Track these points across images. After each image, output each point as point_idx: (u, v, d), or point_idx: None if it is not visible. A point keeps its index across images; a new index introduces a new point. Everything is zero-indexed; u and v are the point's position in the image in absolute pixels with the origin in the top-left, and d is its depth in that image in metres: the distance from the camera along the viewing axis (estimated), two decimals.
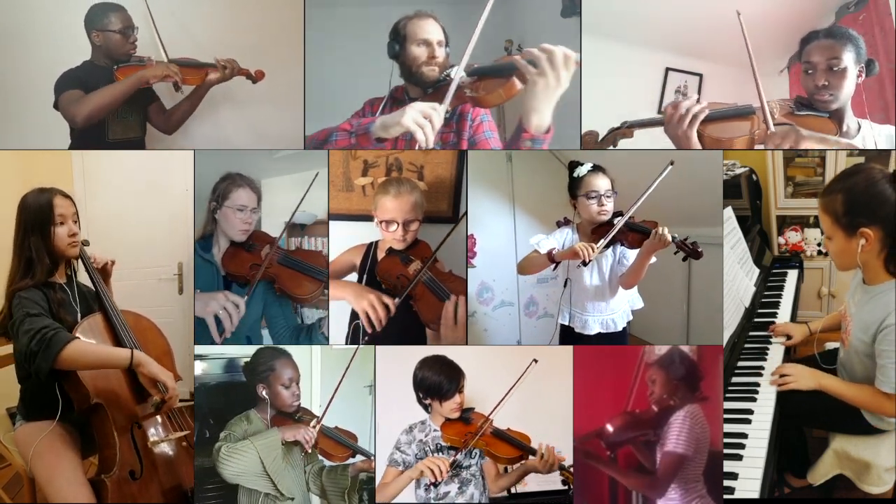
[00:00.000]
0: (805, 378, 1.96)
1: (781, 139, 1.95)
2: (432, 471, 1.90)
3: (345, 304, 2.18)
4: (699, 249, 1.93)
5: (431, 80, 2.07)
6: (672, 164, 1.95)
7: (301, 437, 1.95)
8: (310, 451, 1.97)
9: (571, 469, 2.00)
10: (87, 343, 1.84)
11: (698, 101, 1.95)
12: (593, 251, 1.96)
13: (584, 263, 1.99)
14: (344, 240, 2.24)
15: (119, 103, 2.26)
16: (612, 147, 2.11)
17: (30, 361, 1.73)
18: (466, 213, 2.21)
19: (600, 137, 2.11)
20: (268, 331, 2.18)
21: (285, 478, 1.94)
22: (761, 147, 2.01)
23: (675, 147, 1.97)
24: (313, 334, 2.14)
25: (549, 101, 1.88)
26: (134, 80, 2.26)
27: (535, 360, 1.99)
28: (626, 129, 2.08)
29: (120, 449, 1.85)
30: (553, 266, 2.09)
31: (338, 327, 2.17)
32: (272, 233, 2.18)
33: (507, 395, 1.98)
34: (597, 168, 2.07)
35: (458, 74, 1.95)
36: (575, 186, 2.09)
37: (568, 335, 2.15)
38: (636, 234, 2.00)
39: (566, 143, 2.18)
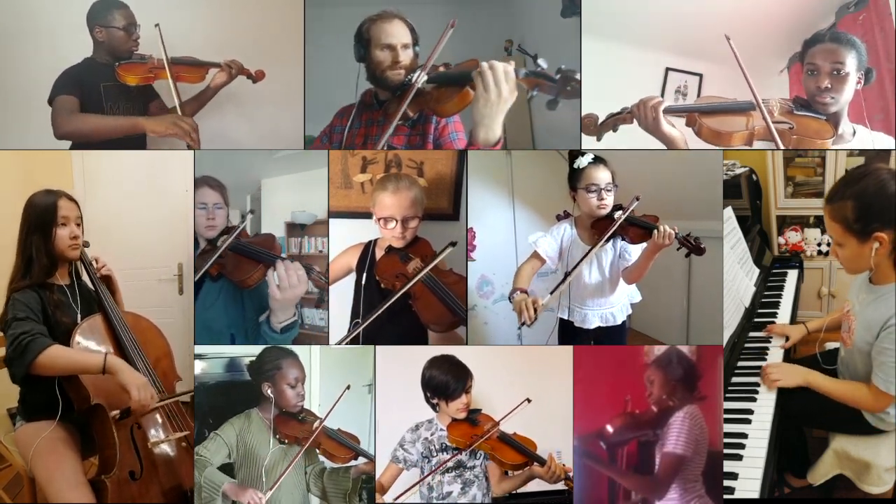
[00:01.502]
0: (791, 375, 1.97)
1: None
2: None
3: (344, 302, 2.19)
4: (702, 245, 1.92)
5: (396, 83, 2.05)
6: (638, 198, 1.99)
7: (246, 501, 1.87)
8: None
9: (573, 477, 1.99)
10: (62, 349, 1.82)
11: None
12: (534, 315, 1.94)
13: (525, 324, 1.96)
14: (343, 238, 2.24)
15: (103, 138, 2.25)
16: (612, 131, 2.09)
17: (7, 366, 1.80)
18: (467, 215, 2.20)
19: (599, 121, 2.10)
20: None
21: None
22: (761, 147, 2.01)
23: (667, 147, 2.00)
24: (261, 328, 2.09)
25: (495, 116, 1.85)
26: (129, 125, 2.25)
27: (529, 400, 1.97)
28: (627, 114, 2.06)
29: (120, 449, 1.85)
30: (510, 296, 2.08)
31: (337, 326, 2.17)
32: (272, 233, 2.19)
33: (513, 410, 1.98)
34: (598, 160, 2.04)
35: (419, 80, 1.94)
36: (575, 178, 2.06)
37: (567, 329, 2.15)
38: (637, 228, 1.99)
39: (566, 143, 2.18)
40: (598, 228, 2.04)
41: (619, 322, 2.12)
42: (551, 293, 1.99)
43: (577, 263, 2.02)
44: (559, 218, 2.16)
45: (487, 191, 2.50)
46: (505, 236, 2.49)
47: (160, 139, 2.41)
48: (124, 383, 1.80)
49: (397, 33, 2.06)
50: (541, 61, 1.93)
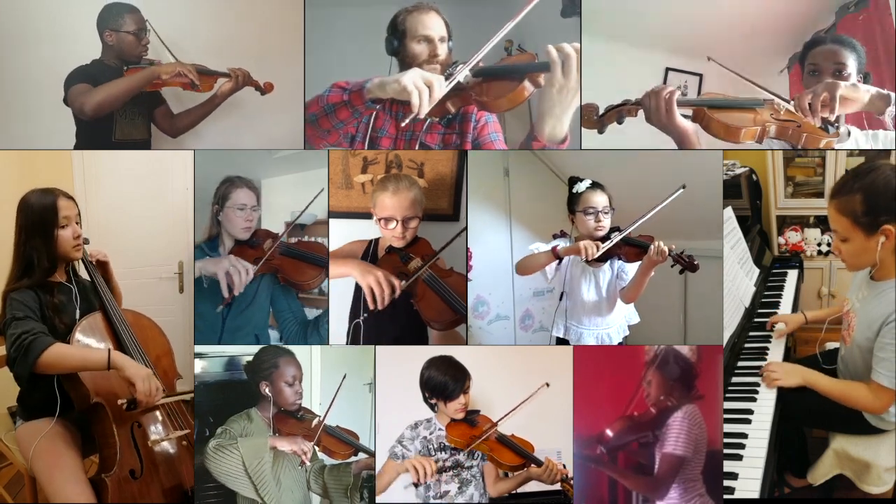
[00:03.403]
0: (790, 375, 1.97)
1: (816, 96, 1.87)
2: (416, 470, 1.90)
3: (344, 302, 2.19)
4: (696, 262, 1.95)
5: None
6: (684, 187, 1.96)
7: (298, 449, 1.92)
8: (308, 463, 1.94)
9: (572, 481, 1.99)
10: (65, 347, 1.81)
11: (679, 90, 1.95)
12: (597, 250, 1.98)
13: (587, 261, 2.00)
14: (344, 238, 2.24)
15: (128, 96, 2.26)
16: (617, 123, 2.02)
17: (10, 367, 1.77)
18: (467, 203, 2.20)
19: (600, 111, 2.03)
20: (277, 326, 2.18)
21: (271, 485, 1.92)
22: (774, 146, 2.01)
23: (675, 142, 1.96)
24: (319, 328, 2.15)
25: (568, 107, 1.76)
26: (145, 75, 2.25)
27: (547, 384, 1.98)
28: (632, 106, 1.99)
29: (120, 448, 1.85)
30: (557, 262, 2.09)
31: (338, 325, 2.17)
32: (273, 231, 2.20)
33: (516, 408, 1.99)
34: (595, 185, 2.09)
35: (461, 74, 1.84)
36: (573, 202, 2.11)
37: None
38: (633, 248, 2.02)
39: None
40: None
41: (615, 343, 2.15)
42: (609, 242, 2.02)
43: (607, 244, 2.02)
44: (555, 237, 2.18)
45: (484, 210, 2.50)
46: (501, 256, 2.48)
47: (164, 139, 2.44)
48: (130, 377, 1.79)
49: (434, 25, 2.00)
50: None
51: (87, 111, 2.22)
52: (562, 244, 2.11)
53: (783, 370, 2.00)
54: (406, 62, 2.03)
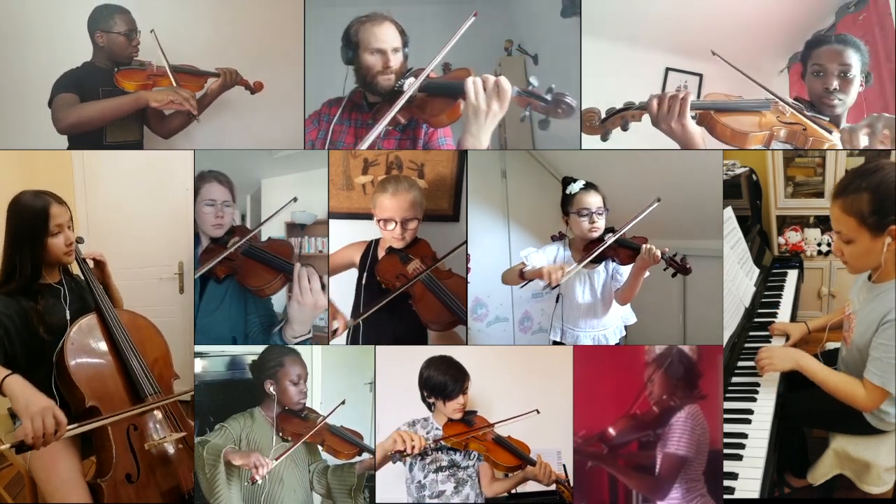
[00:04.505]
0: (783, 359, 1.97)
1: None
2: (403, 440, 1.89)
3: (345, 302, 2.18)
4: (688, 265, 1.95)
5: (387, 89, 2.00)
6: (659, 200, 1.98)
7: (250, 463, 1.85)
8: (259, 480, 1.84)
9: (568, 484, 1.99)
10: None
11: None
12: (561, 276, 1.95)
13: (550, 287, 1.97)
14: (344, 239, 2.24)
15: (108, 120, 2.24)
16: (622, 129, 2.01)
17: None
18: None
19: (602, 115, 2.02)
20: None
21: (224, 495, 1.88)
22: (779, 149, 2.01)
23: (680, 147, 1.96)
24: (271, 339, 2.04)
25: (483, 127, 1.85)
26: (131, 101, 2.22)
27: (538, 411, 1.97)
28: (637, 110, 1.97)
29: (116, 452, 1.84)
30: (522, 284, 2.08)
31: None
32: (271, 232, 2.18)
33: (508, 421, 1.99)
34: (589, 186, 2.08)
35: (411, 88, 1.89)
36: (567, 203, 2.11)
37: None
38: (626, 250, 2.02)
39: (566, 143, 2.18)
40: (589, 250, 2.08)
41: (611, 344, 2.14)
42: (578, 264, 2.01)
43: (572, 269, 2.02)
44: (554, 239, 2.19)
45: (482, 211, 2.50)
46: (500, 258, 2.48)
47: (156, 140, 2.42)
48: (18, 412, 1.62)
49: (388, 37, 2.01)
50: (532, 79, 1.91)
51: (60, 127, 2.21)
52: (548, 259, 2.11)
53: (775, 355, 1.99)
54: (361, 73, 2.04)
